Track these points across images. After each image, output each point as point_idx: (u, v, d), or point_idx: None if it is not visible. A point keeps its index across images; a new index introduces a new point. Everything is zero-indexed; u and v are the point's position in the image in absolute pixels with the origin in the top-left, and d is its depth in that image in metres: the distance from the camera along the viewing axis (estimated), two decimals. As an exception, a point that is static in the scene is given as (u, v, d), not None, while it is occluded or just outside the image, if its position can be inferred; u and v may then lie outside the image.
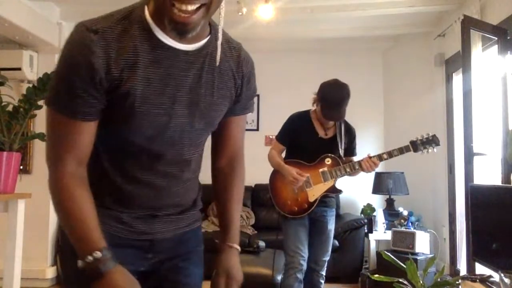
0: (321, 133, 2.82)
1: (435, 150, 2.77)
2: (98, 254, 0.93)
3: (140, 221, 1.10)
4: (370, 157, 2.72)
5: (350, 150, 2.91)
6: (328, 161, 2.78)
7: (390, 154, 2.72)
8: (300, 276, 2.71)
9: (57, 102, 0.94)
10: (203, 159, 1.22)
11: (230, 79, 1.09)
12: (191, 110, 1.03)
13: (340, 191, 2.83)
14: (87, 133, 0.97)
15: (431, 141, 2.76)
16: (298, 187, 2.74)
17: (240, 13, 3.67)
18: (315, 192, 2.77)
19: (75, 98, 0.92)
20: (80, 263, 0.94)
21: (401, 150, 2.73)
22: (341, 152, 2.81)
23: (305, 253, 2.75)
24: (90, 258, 0.92)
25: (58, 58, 0.95)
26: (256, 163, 3.01)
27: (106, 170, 1.05)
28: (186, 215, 1.18)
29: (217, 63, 1.05)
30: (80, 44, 0.91)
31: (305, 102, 2.89)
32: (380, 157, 2.72)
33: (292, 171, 2.70)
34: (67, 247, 1.03)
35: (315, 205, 2.76)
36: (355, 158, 2.88)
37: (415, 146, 2.75)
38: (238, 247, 1.21)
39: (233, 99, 1.12)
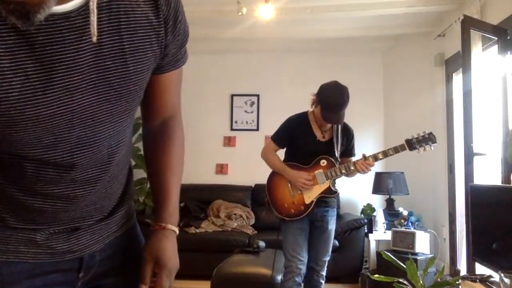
0: (319, 135, 2.81)
1: (432, 148, 2.74)
2: None
3: (60, 237, 0.85)
4: (365, 158, 2.71)
5: (348, 151, 2.90)
6: (323, 163, 2.77)
7: (386, 154, 2.71)
8: (299, 279, 2.71)
9: None
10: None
11: (148, 32, 0.78)
12: (99, 94, 0.74)
13: (336, 192, 2.82)
14: None
15: (428, 139, 2.73)
16: (297, 188, 2.75)
17: (240, 13, 3.67)
18: (311, 194, 2.76)
19: None
20: None
21: (396, 149, 2.71)
22: (337, 153, 2.81)
23: (304, 256, 2.75)
24: None
25: None
26: (256, 163, 3.01)
27: (2, 187, 0.79)
28: (115, 216, 0.95)
29: (123, 14, 0.74)
30: None
31: (305, 102, 2.89)
32: (375, 157, 2.71)
33: (300, 176, 2.72)
34: None
35: (311, 207, 2.76)
36: (354, 159, 2.87)
37: (411, 144, 2.72)
38: (174, 228, 0.96)
39: (159, 55, 0.83)
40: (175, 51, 0.87)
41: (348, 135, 2.88)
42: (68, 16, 0.66)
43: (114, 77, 0.75)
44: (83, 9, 0.68)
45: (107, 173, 0.85)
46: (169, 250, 0.93)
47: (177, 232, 0.97)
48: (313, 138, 2.80)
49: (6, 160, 0.75)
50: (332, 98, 2.66)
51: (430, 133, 2.74)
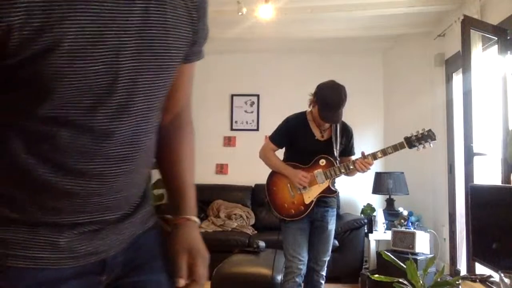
0: (317, 135, 2.81)
1: (431, 145, 2.73)
2: None
3: (84, 239, 0.79)
4: (364, 156, 2.71)
5: (348, 150, 2.90)
6: (322, 162, 2.77)
7: (385, 152, 2.71)
8: (299, 280, 2.71)
9: None
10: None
11: (185, 13, 0.80)
12: (145, 61, 0.74)
13: (335, 192, 2.82)
14: None
15: (427, 136, 2.71)
16: (296, 188, 2.75)
17: (240, 13, 3.67)
18: (310, 194, 2.76)
19: None
20: None
21: (396, 148, 2.70)
22: (336, 153, 2.81)
23: (304, 257, 2.75)
24: None
25: None
26: (256, 163, 3.01)
27: (26, 165, 0.71)
28: (139, 214, 0.91)
29: None
30: None
31: (305, 102, 2.89)
32: (374, 156, 2.70)
33: (298, 173, 2.72)
34: None
35: (311, 206, 2.75)
36: (354, 158, 2.87)
37: (410, 142, 2.71)
38: (197, 220, 0.97)
39: (191, 39, 0.83)
40: (200, 43, 0.88)
41: (347, 134, 2.88)
42: None
43: (156, 47, 0.75)
44: None
45: (140, 154, 0.81)
46: (199, 239, 0.95)
47: (199, 222, 1.00)
48: (312, 138, 2.80)
49: (40, 131, 0.70)
50: (329, 97, 2.66)
51: (429, 130, 2.72)
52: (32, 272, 0.74)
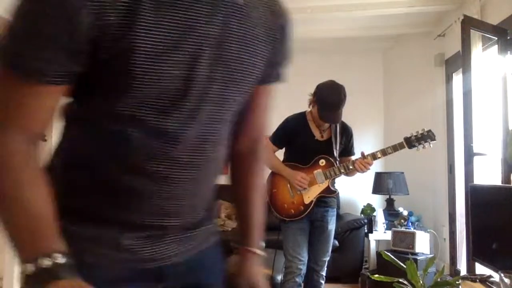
0: (317, 135, 2.81)
1: (431, 145, 2.74)
2: (58, 257, 0.65)
3: (146, 243, 0.79)
4: (364, 156, 2.71)
5: (347, 150, 2.90)
6: (322, 162, 2.77)
7: (384, 152, 2.71)
8: (299, 280, 2.71)
9: (15, 54, 0.64)
10: None
11: (265, 32, 0.81)
12: (218, 71, 0.75)
13: (335, 192, 2.82)
14: (51, 101, 0.68)
15: (426, 136, 2.72)
16: (296, 189, 2.75)
17: (240, 13, 3.66)
18: (310, 194, 2.76)
19: (41, 51, 0.63)
20: (29, 267, 0.64)
21: (395, 148, 2.71)
22: (336, 153, 2.81)
23: (304, 257, 2.75)
24: (47, 261, 0.64)
25: None
26: (256, 163, 3.00)
27: (97, 159, 0.75)
28: (202, 228, 0.90)
29: (251, 5, 0.78)
30: None
31: (305, 102, 2.89)
32: (374, 156, 2.71)
33: (297, 174, 2.72)
34: None
35: (311, 207, 2.76)
36: (353, 158, 2.87)
37: (409, 142, 2.72)
38: (261, 253, 0.98)
39: (268, 58, 0.83)
40: (279, 65, 0.89)
41: (347, 134, 2.88)
42: None
43: (234, 60, 0.77)
44: None
45: (206, 162, 0.81)
46: (260, 274, 0.97)
47: (261, 255, 1.00)
48: (311, 138, 2.80)
49: (115, 131, 0.73)
50: (329, 97, 2.67)
51: (429, 131, 2.73)
52: (97, 270, 0.74)
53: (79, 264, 0.68)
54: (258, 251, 0.98)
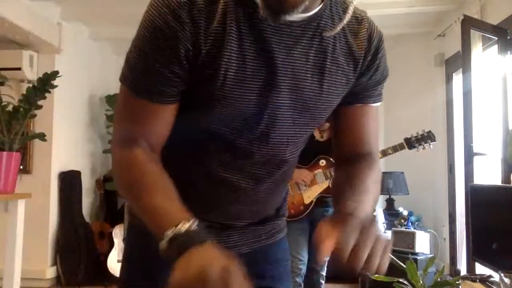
0: (317, 135, 2.82)
1: (431, 146, 2.74)
2: (190, 223, 0.68)
3: (211, 232, 0.83)
4: None
5: None
6: (322, 162, 2.78)
7: (384, 153, 2.71)
8: (299, 280, 2.71)
9: (133, 80, 0.78)
10: None
11: (349, 61, 0.83)
12: (292, 99, 0.80)
13: None
14: (164, 117, 0.80)
15: (426, 137, 2.73)
16: (296, 189, 2.76)
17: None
18: (310, 194, 2.77)
19: (154, 76, 0.75)
20: (167, 236, 0.67)
21: (395, 148, 2.71)
22: None
23: (304, 256, 2.75)
24: (181, 228, 0.67)
25: (139, 25, 0.78)
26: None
27: (180, 162, 0.86)
28: (267, 225, 0.97)
29: (332, 39, 0.80)
30: (164, 7, 0.73)
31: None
32: None
33: (300, 173, 2.73)
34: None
35: (311, 206, 2.76)
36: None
37: (410, 143, 2.73)
38: (370, 217, 0.79)
39: (351, 85, 0.86)
40: (368, 86, 0.88)
41: None
42: (291, 24, 0.75)
43: (308, 90, 0.81)
44: (306, 23, 0.77)
45: (273, 177, 0.90)
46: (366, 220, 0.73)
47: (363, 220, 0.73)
48: (311, 138, 2.79)
49: (197, 140, 0.85)
50: None
51: (429, 132, 2.74)
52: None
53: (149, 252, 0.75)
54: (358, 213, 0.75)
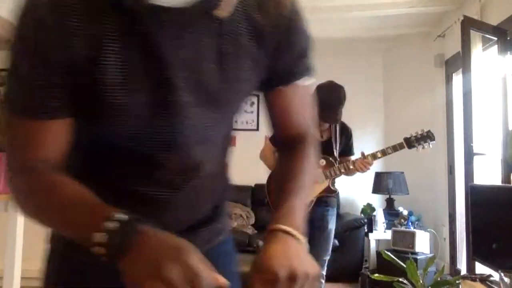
0: (317, 135, 2.81)
1: (430, 146, 2.75)
2: (121, 215, 0.60)
3: None
4: (364, 156, 2.72)
5: (347, 150, 2.91)
6: (322, 162, 2.78)
7: (384, 153, 2.72)
8: None
9: (12, 101, 0.69)
10: None
11: (254, 40, 0.73)
12: (193, 95, 0.71)
13: (335, 192, 2.83)
14: (56, 133, 0.70)
15: (426, 137, 2.74)
16: None
17: (240, 13, 3.67)
18: None
19: (31, 90, 0.67)
20: (106, 227, 0.59)
21: (395, 148, 2.72)
22: (336, 153, 2.81)
23: None
24: (111, 224, 0.59)
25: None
26: (256, 163, 3.01)
27: (85, 177, 0.74)
28: (203, 230, 0.86)
29: (226, 13, 0.69)
30: (27, 12, 0.67)
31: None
32: (374, 156, 2.72)
33: None
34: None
35: (311, 206, 2.76)
36: (353, 158, 2.88)
37: (409, 143, 2.73)
38: (296, 234, 0.70)
39: (264, 65, 0.76)
40: (291, 63, 0.79)
41: (346, 134, 2.89)
42: (178, 11, 0.65)
43: (209, 80, 0.71)
44: (193, 8, 0.66)
45: (194, 181, 0.79)
46: (272, 250, 0.67)
47: (289, 231, 0.70)
48: None
49: (99, 153, 0.75)
50: (328, 97, 2.67)
51: (429, 131, 2.75)
52: (88, 268, 0.72)
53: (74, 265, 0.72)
54: (277, 226, 0.71)
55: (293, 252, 0.67)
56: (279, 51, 0.76)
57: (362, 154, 2.73)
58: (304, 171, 0.83)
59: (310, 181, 0.85)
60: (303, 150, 0.86)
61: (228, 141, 0.86)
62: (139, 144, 0.72)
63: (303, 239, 0.71)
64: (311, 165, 0.86)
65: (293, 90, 0.82)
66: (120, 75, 0.66)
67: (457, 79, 4.12)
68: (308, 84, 0.83)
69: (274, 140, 0.93)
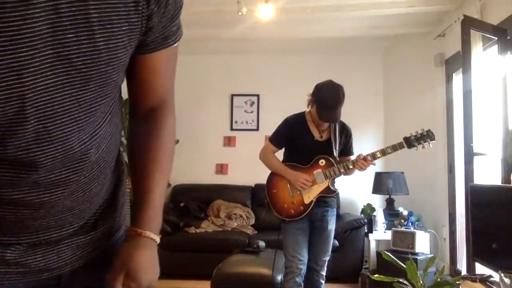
0: (316, 135, 2.81)
1: (430, 145, 2.74)
2: None
3: (36, 253, 0.73)
4: (364, 159, 2.71)
5: (347, 150, 2.91)
6: (322, 162, 2.78)
7: (384, 152, 2.71)
8: (299, 279, 2.71)
9: None
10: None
11: (126, 2, 0.64)
12: (58, 76, 0.60)
13: (335, 192, 2.82)
14: None
15: (426, 136, 2.73)
16: (296, 189, 2.75)
17: (240, 13, 3.67)
18: (310, 194, 2.76)
19: None
20: None
21: (395, 148, 2.71)
22: (336, 153, 2.81)
23: (304, 256, 2.75)
24: None
25: None
26: (256, 163, 3.01)
27: None
28: (101, 227, 0.82)
29: None
30: None
31: (305, 102, 2.89)
32: (373, 156, 2.71)
33: (300, 176, 2.72)
34: None
35: (311, 206, 2.75)
36: (352, 157, 2.87)
37: (409, 142, 2.72)
38: (153, 236, 0.79)
39: (139, 30, 0.68)
40: (162, 26, 0.71)
41: (346, 133, 2.89)
42: None
43: (77, 54, 0.60)
44: None
45: (81, 174, 0.70)
46: (144, 261, 0.77)
47: (157, 240, 0.80)
48: (311, 138, 2.81)
49: None
50: (327, 97, 2.67)
51: (428, 131, 2.74)
52: None
53: None
54: (147, 233, 0.78)
55: (155, 263, 0.79)
56: (154, 14, 0.69)
57: (363, 157, 2.71)
58: (167, 152, 0.84)
59: (170, 162, 0.85)
60: (167, 126, 0.85)
61: (112, 115, 0.75)
62: (5, 146, 0.61)
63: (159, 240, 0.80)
64: (171, 139, 0.86)
65: (167, 53, 0.77)
66: None
67: (457, 78, 4.12)
68: (176, 46, 0.79)
69: (133, 107, 0.86)
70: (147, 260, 0.78)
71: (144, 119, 0.84)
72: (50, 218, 0.72)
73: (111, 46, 0.63)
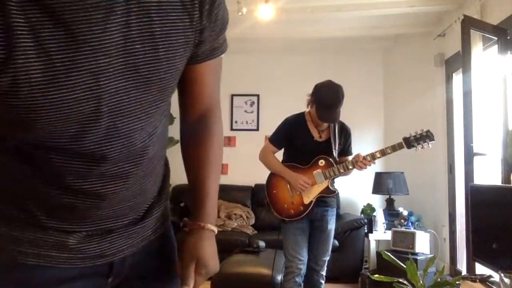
0: (316, 135, 2.82)
1: (429, 145, 2.75)
2: None
3: (93, 241, 0.82)
4: (363, 158, 2.71)
5: (346, 150, 2.91)
6: (321, 162, 2.78)
7: (383, 153, 2.71)
8: (299, 279, 2.71)
9: None
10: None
11: (181, 15, 0.73)
12: (127, 81, 0.69)
13: (335, 192, 2.82)
14: None
15: (425, 136, 2.73)
16: (296, 189, 2.75)
17: (240, 13, 3.67)
18: (310, 194, 2.76)
19: None
20: None
21: (394, 148, 2.71)
22: (335, 153, 2.81)
23: (304, 256, 2.75)
24: None
25: None
26: (256, 163, 3.01)
27: (29, 175, 0.74)
28: (151, 219, 0.91)
29: None
30: None
31: (305, 102, 2.89)
32: (373, 156, 2.71)
33: (300, 178, 2.71)
34: None
35: (311, 207, 2.76)
36: (351, 157, 2.87)
37: (408, 142, 2.72)
38: (213, 228, 0.91)
39: (192, 42, 0.77)
40: (212, 39, 0.80)
41: (345, 134, 2.89)
42: None
43: (143, 62, 0.69)
44: None
45: (140, 168, 0.80)
46: (210, 250, 0.89)
47: (216, 231, 0.93)
48: (310, 138, 2.81)
49: (34, 153, 0.71)
50: (327, 97, 2.67)
51: (428, 131, 2.74)
52: (41, 270, 0.77)
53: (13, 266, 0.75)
54: (209, 226, 0.90)
55: (216, 251, 0.91)
56: (206, 28, 0.77)
57: (359, 157, 2.71)
58: (217, 154, 0.96)
59: (219, 163, 0.98)
60: (216, 130, 0.96)
61: (165, 117, 0.85)
62: (82, 142, 0.70)
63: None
64: (220, 145, 0.98)
65: (214, 64, 0.87)
66: (45, 72, 0.61)
67: (457, 78, 4.12)
68: (221, 57, 0.88)
69: (184, 113, 0.95)
70: (212, 248, 0.90)
71: (194, 125, 0.94)
72: (110, 208, 0.81)
73: (170, 56, 0.73)
